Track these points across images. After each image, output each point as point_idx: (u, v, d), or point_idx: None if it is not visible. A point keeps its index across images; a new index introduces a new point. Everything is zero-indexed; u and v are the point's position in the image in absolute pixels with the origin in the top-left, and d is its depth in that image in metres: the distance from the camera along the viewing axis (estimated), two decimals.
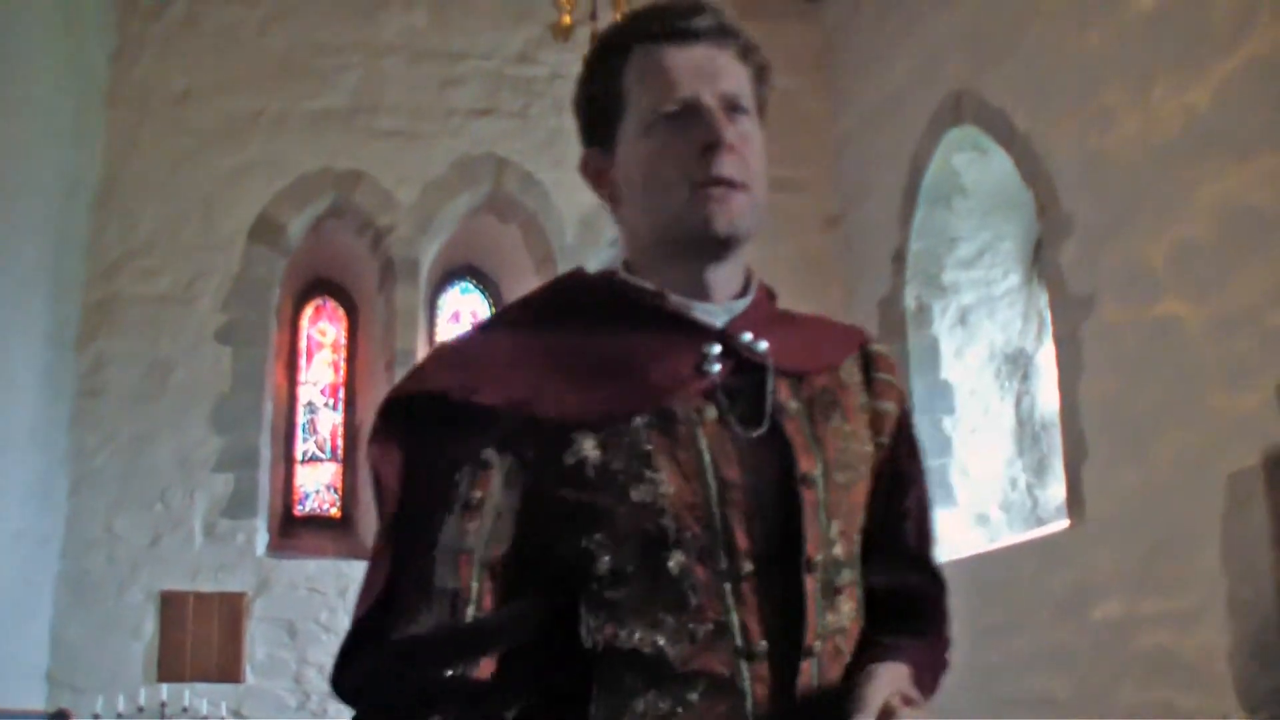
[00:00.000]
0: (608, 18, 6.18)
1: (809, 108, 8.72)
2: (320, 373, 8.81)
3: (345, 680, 1.24)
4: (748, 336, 1.35)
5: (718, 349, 1.33)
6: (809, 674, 1.29)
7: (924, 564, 1.50)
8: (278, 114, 8.05)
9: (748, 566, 1.26)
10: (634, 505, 1.25)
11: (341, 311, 8.92)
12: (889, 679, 1.28)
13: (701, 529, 1.25)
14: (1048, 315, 6.80)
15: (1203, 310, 5.21)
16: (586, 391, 1.28)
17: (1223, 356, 5.09)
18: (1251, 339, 4.93)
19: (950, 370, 7.50)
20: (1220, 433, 5.05)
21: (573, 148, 1.50)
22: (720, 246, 1.32)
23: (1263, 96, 4.93)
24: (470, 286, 9.09)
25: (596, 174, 1.41)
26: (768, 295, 1.44)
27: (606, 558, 1.24)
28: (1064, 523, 6.25)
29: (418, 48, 8.31)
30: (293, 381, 8.64)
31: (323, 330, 8.90)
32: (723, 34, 1.36)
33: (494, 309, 8.97)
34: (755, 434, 1.31)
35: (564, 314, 1.37)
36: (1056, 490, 6.92)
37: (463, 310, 9.02)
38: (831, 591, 1.32)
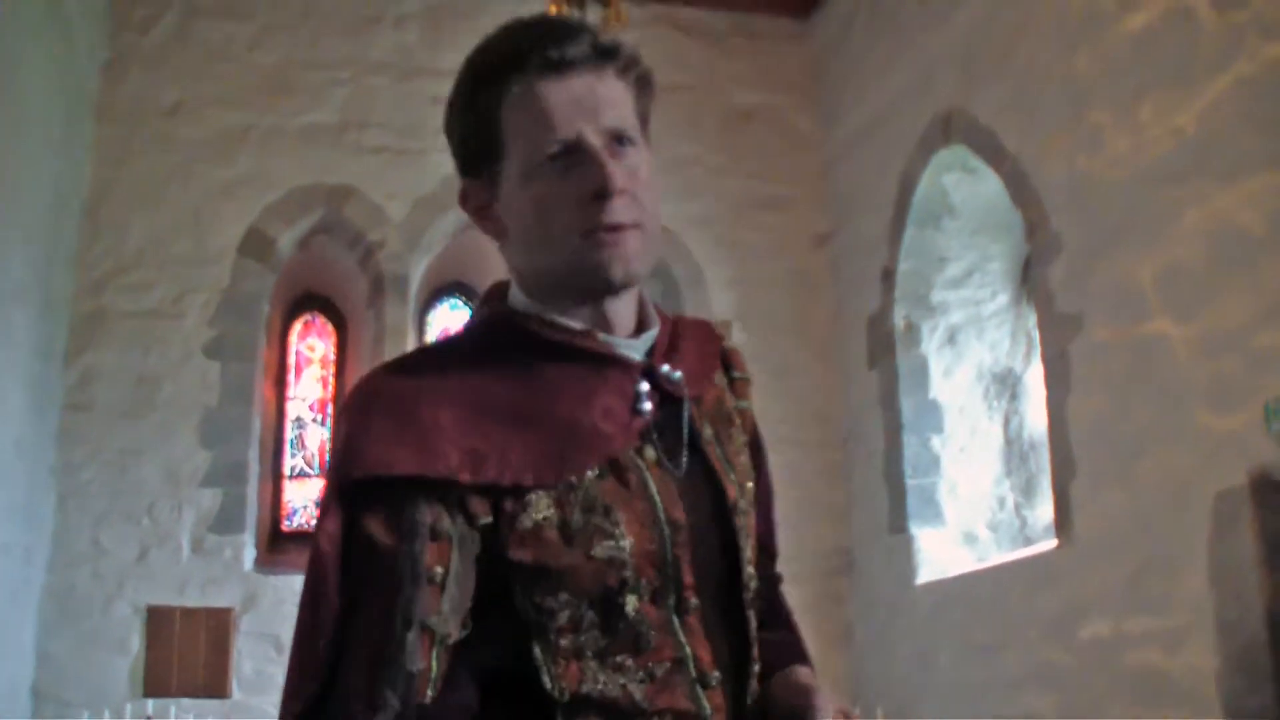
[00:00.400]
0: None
1: (798, 126, 8.76)
2: (309, 388, 8.79)
3: None
4: (665, 368, 1.36)
5: (646, 386, 1.34)
6: (752, 691, 1.36)
7: (773, 552, 1.56)
8: (268, 129, 8.05)
9: (694, 601, 1.29)
10: (597, 562, 1.25)
11: (331, 327, 8.90)
12: (826, 695, 1.34)
13: (656, 573, 1.27)
14: (1036, 335, 6.82)
15: (1190, 330, 5.23)
16: (535, 446, 1.26)
17: (1210, 376, 5.10)
18: (1239, 359, 4.95)
19: (939, 390, 7.51)
20: (1208, 452, 5.07)
21: None
22: (615, 290, 1.31)
23: (1251, 118, 4.95)
24: (459, 303, 9.08)
25: (477, 208, 1.37)
26: (661, 314, 1.43)
27: (565, 612, 1.25)
28: (1052, 542, 6.26)
29: (408, 64, 8.32)
30: (281, 397, 8.62)
31: (312, 345, 8.88)
32: (600, 56, 1.31)
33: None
34: (685, 469, 1.33)
35: (493, 354, 1.33)
36: (1044, 510, 6.93)
37: (451, 327, 9.02)
38: (753, 607, 1.39)
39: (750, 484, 1.43)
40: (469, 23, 8.42)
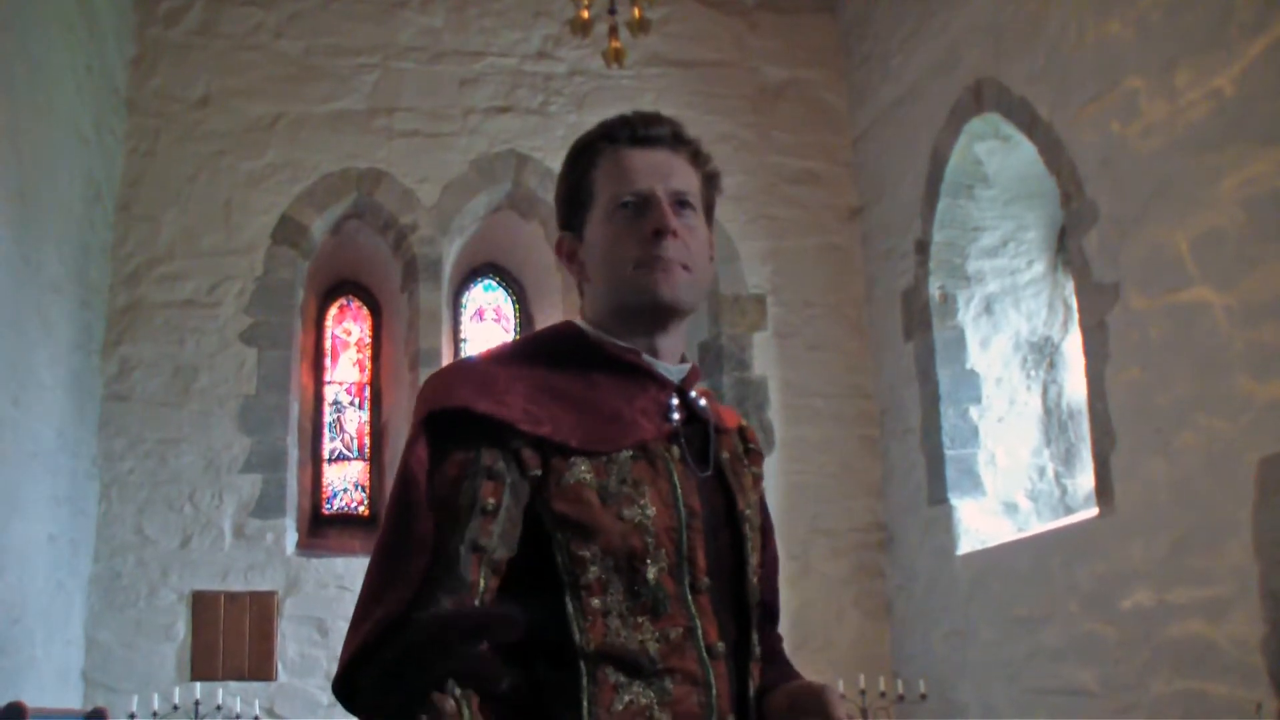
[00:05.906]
0: (626, 13, 6.17)
1: (828, 100, 8.71)
2: (345, 372, 8.84)
3: (385, 653, 1.38)
4: (692, 394, 1.65)
5: (676, 401, 1.62)
6: (755, 673, 1.61)
7: (776, 617, 1.81)
8: (297, 116, 8.07)
9: (706, 582, 1.53)
10: (625, 523, 1.49)
11: (366, 311, 8.94)
12: (834, 694, 1.57)
13: (672, 548, 1.51)
14: (1073, 303, 6.76)
15: (1229, 297, 5.17)
16: (582, 422, 1.53)
17: (1250, 343, 5.05)
18: (1279, 324, 4.89)
19: (976, 360, 7.46)
20: (1249, 419, 5.01)
21: None
22: (664, 314, 1.59)
23: None
24: (493, 284, 9.09)
25: (569, 254, 1.67)
26: (696, 369, 1.73)
27: (594, 568, 1.47)
28: (1093, 511, 6.22)
29: (435, 47, 8.32)
30: (318, 381, 8.67)
31: (347, 330, 8.93)
32: (677, 141, 1.65)
33: (518, 307, 9.00)
34: (705, 474, 1.60)
35: (557, 358, 1.61)
36: (1085, 479, 6.89)
37: (486, 308, 9.04)
38: (754, 604, 1.63)
39: (751, 511, 1.67)
40: (494, 5, 8.43)
